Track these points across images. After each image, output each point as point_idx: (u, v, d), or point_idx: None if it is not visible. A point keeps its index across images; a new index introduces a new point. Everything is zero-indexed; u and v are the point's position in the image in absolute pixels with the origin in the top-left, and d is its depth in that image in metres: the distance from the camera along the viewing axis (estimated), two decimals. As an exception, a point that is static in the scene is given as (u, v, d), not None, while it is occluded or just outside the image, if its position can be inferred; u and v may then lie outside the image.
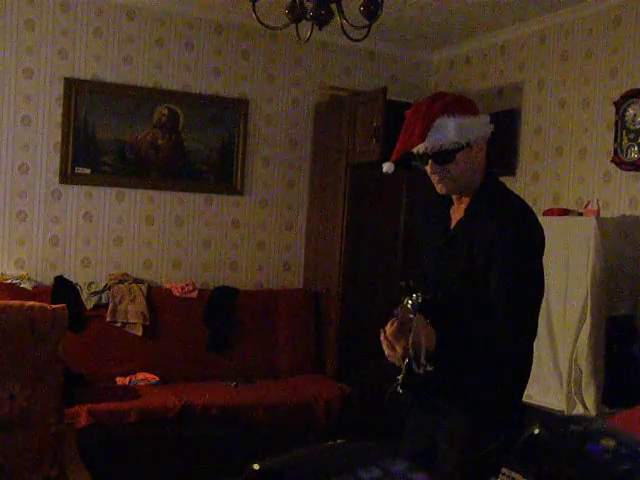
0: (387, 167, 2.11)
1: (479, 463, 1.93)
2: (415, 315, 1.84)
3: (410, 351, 1.85)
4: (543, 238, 2.06)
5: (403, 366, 1.90)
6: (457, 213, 2.14)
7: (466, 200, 2.12)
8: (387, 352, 1.95)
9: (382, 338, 1.95)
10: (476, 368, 1.99)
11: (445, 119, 2.00)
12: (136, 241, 4.90)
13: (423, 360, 1.84)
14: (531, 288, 2.01)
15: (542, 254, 2.05)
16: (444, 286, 2.07)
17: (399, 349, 1.89)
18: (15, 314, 2.80)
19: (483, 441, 1.98)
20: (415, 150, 2.05)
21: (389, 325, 1.91)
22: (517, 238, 1.98)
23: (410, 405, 2.19)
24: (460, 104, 2.05)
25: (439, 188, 2.11)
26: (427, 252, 2.25)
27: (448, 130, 2.00)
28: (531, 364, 2.14)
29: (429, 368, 1.85)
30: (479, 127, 2.05)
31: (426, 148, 2.02)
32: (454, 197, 2.15)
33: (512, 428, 1.95)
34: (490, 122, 2.10)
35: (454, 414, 2.06)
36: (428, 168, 2.08)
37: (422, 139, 2.00)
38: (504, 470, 1.03)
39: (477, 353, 1.97)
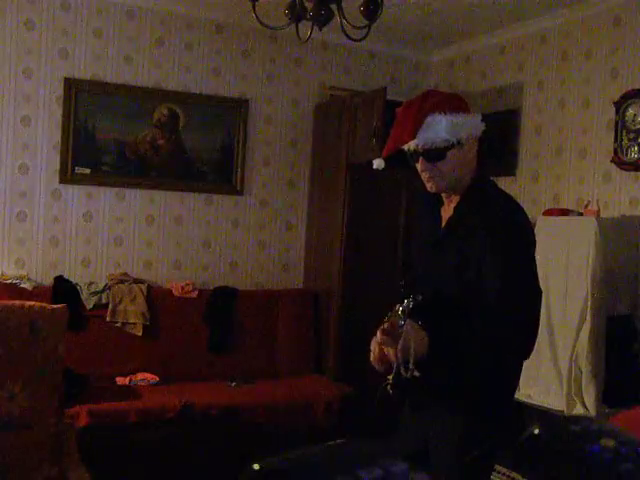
0: (377, 163, 2.11)
1: (472, 463, 1.93)
2: (405, 321, 1.84)
3: (398, 356, 1.84)
4: (533, 236, 2.06)
5: (394, 368, 1.90)
6: (447, 212, 2.13)
7: (456, 199, 2.11)
8: (372, 358, 1.97)
9: (373, 346, 1.96)
10: (470, 368, 1.98)
11: (437, 116, 1.98)
12: (136, 241, 4.90)
13: (411, 366, 1.84)
14: (525, 286, 1.99)
15: (534, 252, 2.04)
16: (434, 285, 2.06)
17: (391, 355, 1.88)
18: (15, 314, 2.80)
19: (476, 441, 1.98)
20: (406, 147, 2.04)
21: (379, 333, 1.89)
22: (507, 237, 1.97)
23: (400, 405, 2.19)
24: (452, 102, 2.04)
25: (429, 186, 2.10)
26: (418, 251, 2.25)
27: (439, 128, 1.98)
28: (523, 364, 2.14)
29: (416, 374, 1.85)
30: (471, 125, 2.04)
31: (417, 145, 2.01)
32: (444, 196, 2.14)
33: (505, 427, 1.96)
34: (482, 121, 2.09)
35: (446, 414, 2.05)
36: (419, 166, 2.07)
37: (413, 136, 1.99)
38: (503, 469, 1.03)
39: (472, 353, 1.96)
